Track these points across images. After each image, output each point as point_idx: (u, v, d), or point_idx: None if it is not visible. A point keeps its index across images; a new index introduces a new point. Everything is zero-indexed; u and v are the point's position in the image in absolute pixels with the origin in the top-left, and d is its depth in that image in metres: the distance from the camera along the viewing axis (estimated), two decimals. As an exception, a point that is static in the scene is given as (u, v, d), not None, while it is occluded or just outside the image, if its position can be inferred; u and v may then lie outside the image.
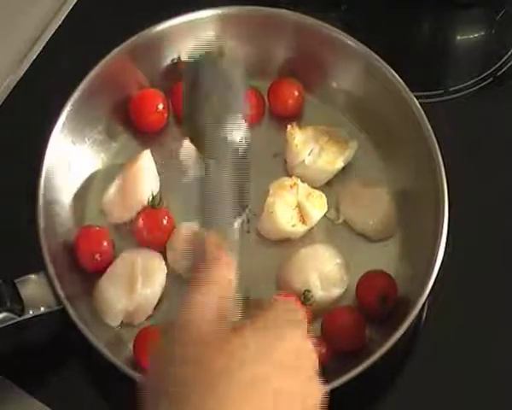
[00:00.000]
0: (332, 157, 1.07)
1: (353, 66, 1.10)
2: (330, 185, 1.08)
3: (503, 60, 1.19)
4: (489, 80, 1.17)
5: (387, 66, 1.06)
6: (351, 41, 1.08)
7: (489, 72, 1.18)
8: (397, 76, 1.06)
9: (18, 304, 0.92)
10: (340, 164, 1.07)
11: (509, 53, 1.19)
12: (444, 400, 0.98)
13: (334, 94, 1.12)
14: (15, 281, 0.93)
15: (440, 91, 1.13)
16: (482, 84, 1.17)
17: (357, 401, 0.97)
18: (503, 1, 1.23)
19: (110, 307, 0.98)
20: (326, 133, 1.08)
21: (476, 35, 1.23)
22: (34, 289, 0.93)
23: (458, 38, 1.24)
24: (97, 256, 1.00)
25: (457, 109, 1.12)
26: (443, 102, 1.06)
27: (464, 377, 1.00)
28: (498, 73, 1.18)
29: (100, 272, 1.00)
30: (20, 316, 0.92)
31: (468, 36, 1.24)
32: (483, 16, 1.24)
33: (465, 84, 1.17)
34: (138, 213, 1.03)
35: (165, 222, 1.03)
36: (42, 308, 0.93)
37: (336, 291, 1.01)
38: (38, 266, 0.95)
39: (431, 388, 0.99)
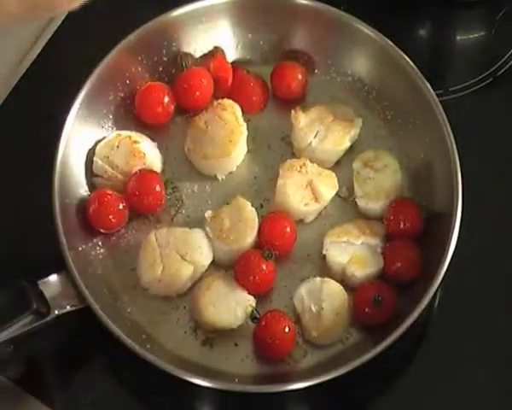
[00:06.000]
0: (338, 137, 1.09)
1: (361, 48, 1.13)
2: (340, 164, 1.10)
3: (503, 60, 1.19)
4: (489, 80, 1.18)
5: (394, 45, 1.10)
6: (359, 24, 1.11)
7: (489, 72, 1.18)
8: (405, 56, 1.09)
9: (43, 305, 0.93)
10: (346, 144, 1.09)
11: (509, 53, 1.20)
12: (453, 383, 1.01)
13: (338, 75, 1.15)
14: (38, 282, 0.95)
15: (440, 91, 1.13)
16: (482, 84, 1.18)
17: (372, 385, 1.01)
18: (503, 1, 1.23)
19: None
20: (330, 112, 1.10)
21: (476, 35, 1.24)
22: (57, 289, 0.96)
23: (458, 38, 1.25)
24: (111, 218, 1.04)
25: (457, 109, 1.12)
26: (443, 102, 1.06)
27: (475, 366, 1.02)
28: (498, 73, 1.19)
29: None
30: (46, 317, 0.93)
31: (468, 36, 1.25)
32: (483, 16, 1.25)
33: (465, 84, 1.18)
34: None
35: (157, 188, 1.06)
36: (68, 307, 0.95)
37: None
38: (59, 266, 0.97)
39: (442, 372, 1.01)
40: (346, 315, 1.00)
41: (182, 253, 1.01)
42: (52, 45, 1.20)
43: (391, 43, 1.10)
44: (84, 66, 1.07)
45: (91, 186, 1.07)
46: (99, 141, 1.08)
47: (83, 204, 1.04)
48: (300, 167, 1.06)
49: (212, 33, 1.14)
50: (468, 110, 1.16)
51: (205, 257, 1.02)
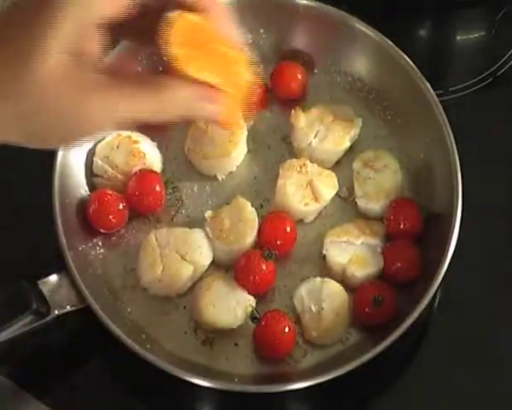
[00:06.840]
0: (338, 137, 1.09)
1: (361, 48, 1.13)
2: (340, 164, 1.10)
3: (503, 60, 1.19)
4: (489, 80, 1.18)
5: (394, 45, 1.10)
6: (359, 24, 1.11)
7: (489, 72, 1.18)
8: (405, 56, 1.09)
9: (43, 305, 0.93)
10: (346, 144, 1.09)
11: (509, 53, 1.20)
12: (453, 386, 1.01)
13: (338, 75, 1.15)
14: (38, 282, 0.95)
15: (440, 91, 1.13)
16: (482, 85, 1.18)
17: (371, 385, 1.01)
18: (503, 1, 1.23)
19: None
20: (330, 112, 1.10)
21: (476, 35, 1.24)
22: (58, 289, 0.96)
23: (458, 38, 1.25)
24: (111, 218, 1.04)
25: (457, 109, 1.12)
26: (443, 102, 1.06)
27: (476, 366, 1.02)
28: (498, 73, 1.19)
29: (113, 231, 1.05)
30: (46, 317, 0.93)
31: (468, 36, 1.25)
32: (483, 16, 1.25)
33: (465, 84, 1.18)
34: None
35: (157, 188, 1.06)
36: (68, 307, 0.95)
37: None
38: (59, 266, 0.97)
39: (442, 372, 1.01)
40: (346, 315, 1.00)
41: (182, 253, 1.01)
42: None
43: (391, 43, 1.10)
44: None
45: (91, 186, 1.07)
46: (99, 141, 1.08)
47: (83, 204, 1.04)
48: (300, 167, 1.06)
49: (212, 33, 1.14)
50: (468, 110, 1.16)
51: (205, 257, 1.02)
